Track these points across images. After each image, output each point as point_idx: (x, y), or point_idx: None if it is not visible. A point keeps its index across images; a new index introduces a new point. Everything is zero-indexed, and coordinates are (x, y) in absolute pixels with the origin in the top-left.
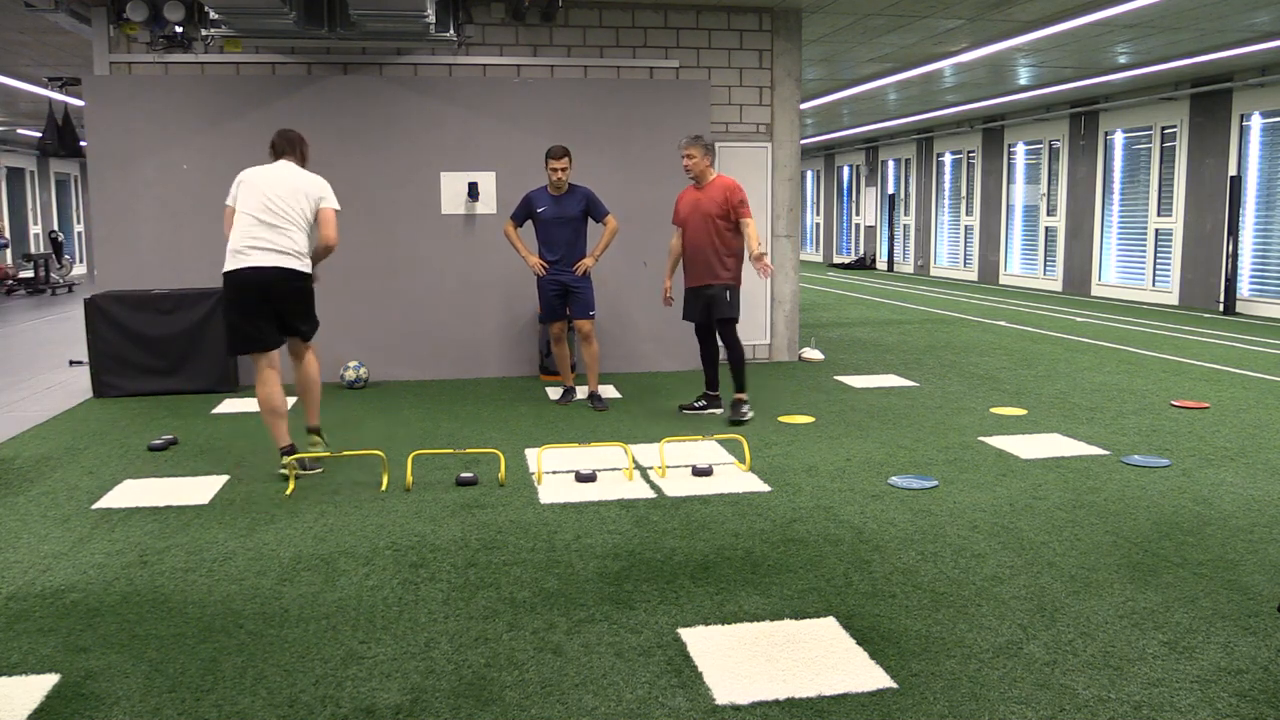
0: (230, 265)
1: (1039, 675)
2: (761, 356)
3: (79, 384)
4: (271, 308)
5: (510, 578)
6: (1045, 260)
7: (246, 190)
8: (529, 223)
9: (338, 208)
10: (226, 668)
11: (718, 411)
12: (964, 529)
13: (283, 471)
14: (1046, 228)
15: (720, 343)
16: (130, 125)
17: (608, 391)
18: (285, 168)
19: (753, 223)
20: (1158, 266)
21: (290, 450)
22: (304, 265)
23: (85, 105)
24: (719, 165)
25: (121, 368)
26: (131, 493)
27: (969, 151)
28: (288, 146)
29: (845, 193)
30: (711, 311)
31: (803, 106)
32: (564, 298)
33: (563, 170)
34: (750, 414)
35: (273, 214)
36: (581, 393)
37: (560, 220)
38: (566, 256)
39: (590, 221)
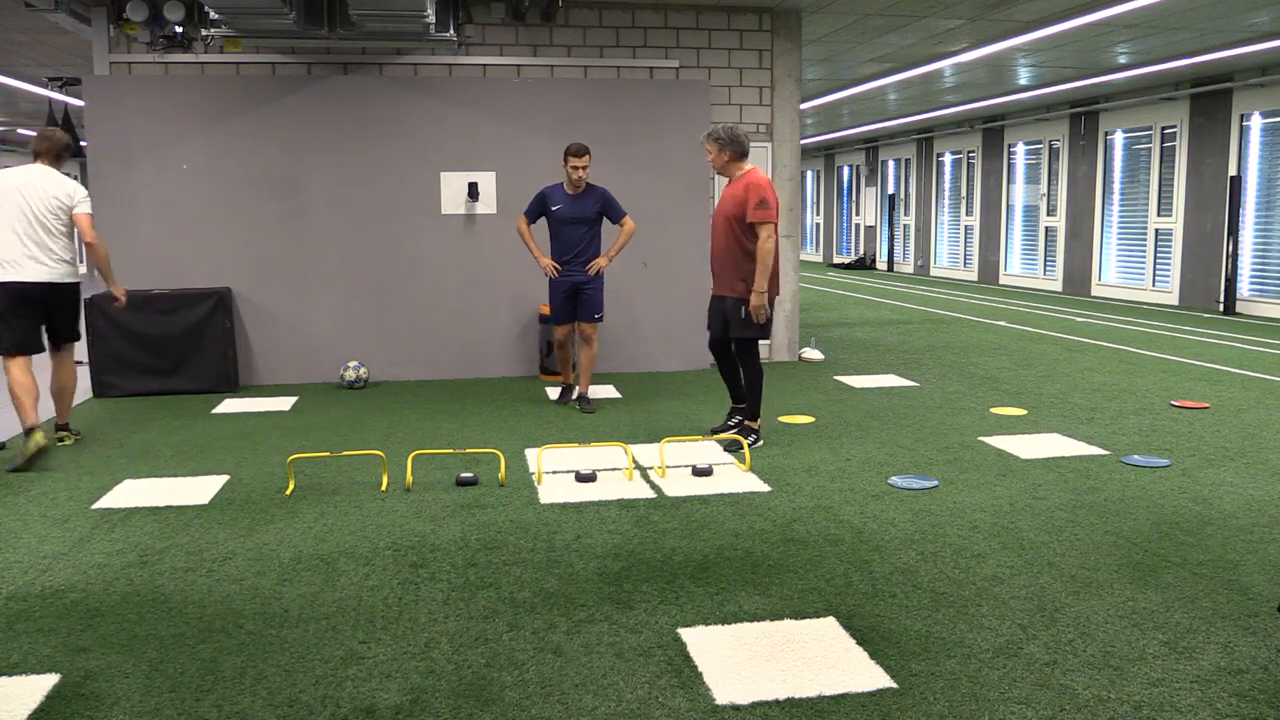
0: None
1: (1039, 675)
2: (762, 356)
3: (79, 384)
4: (44, 316)
5: (510, 578)
6: (1045, 260)
7: (3, 198)
8: (540, 221)
9: (88, 212)
10: (226, 668)
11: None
12: (964, 529)
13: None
14: (1046, 228)
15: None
16: (130, 125)
17: (608, 391)
18: (44, 173)
19: (768, 235)
20: (1158, 266)
21: (32, 431)
22: (75, 275)
23: (85, 105)
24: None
25: (121, 368)
26: (131, 493)
27: (969, 151)
28: (41, 149)
29: (845, 193)
30: (727, 327)
31: (803, 106)
32: (572, 299)
33: (584, 168)
34: (758, 443)
35: (35, 224)
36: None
37: (575, 220)
38: (579, 256)
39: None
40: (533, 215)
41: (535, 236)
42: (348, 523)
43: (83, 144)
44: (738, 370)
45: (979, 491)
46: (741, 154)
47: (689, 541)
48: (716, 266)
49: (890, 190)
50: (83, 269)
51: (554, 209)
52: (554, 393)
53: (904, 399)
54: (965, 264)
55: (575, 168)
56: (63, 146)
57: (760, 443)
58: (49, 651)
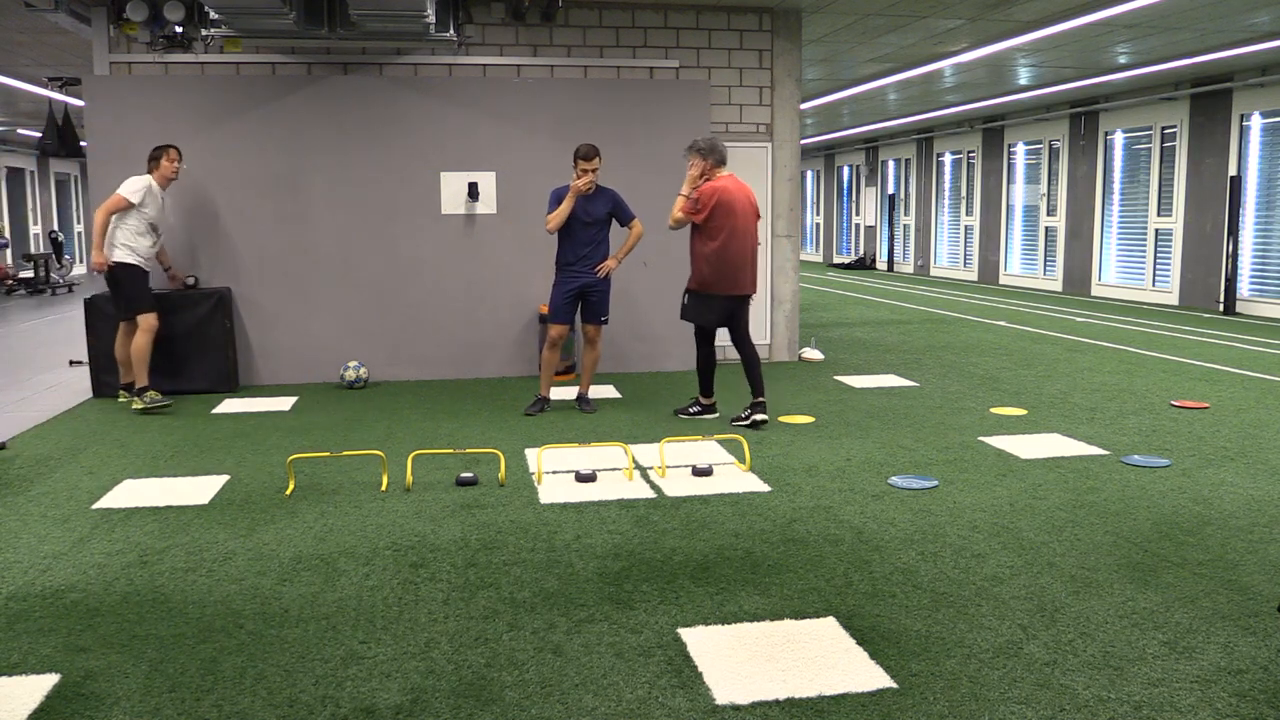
0: None
1: (1039, 675)
2: (761, 356)
3: (79, 384)
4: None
5: (510, 578)
6: (1045, 260)
7: None
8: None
9: (118, 193)
10: (226, 668)
11: (756, 417)
12: (964, 529)
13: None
14: (1046, 228)
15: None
16: (130, 125)
17: (608, 391)
18: None
19: (677, 215)
20: (1158, 266)
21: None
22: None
23: (85, 105)
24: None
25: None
26: (131, 493)
27: (969, 151)
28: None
29: (845, 193)
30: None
31: (803, 106)
32: (576, 301)
33: (593, 171)
34: (700, 415)
35: None
36: (571, 393)
37: (585, 220)
38: (589, 258)
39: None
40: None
41: (541, 243)
42: (348, 523)
43: (82, 144)
44: (752, 360)
45: (979, 491)
46: (721, 161)
47: (689, 541)
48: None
49: (890, 190)
50: (120, 254)
51: None
52: (566, 394)
53: (904, 399)
54: (965, 264)
55: (585, 171)
56: (149, 157)
57: (703, 414)
58: (49, 651)
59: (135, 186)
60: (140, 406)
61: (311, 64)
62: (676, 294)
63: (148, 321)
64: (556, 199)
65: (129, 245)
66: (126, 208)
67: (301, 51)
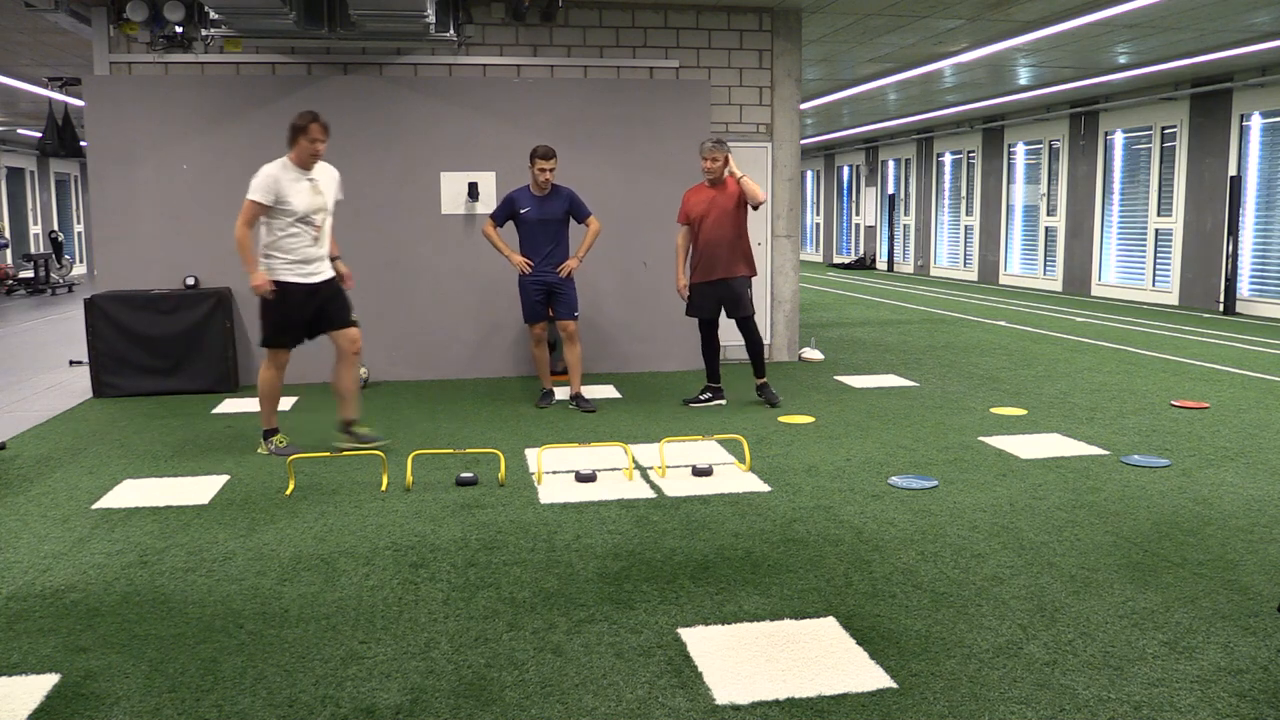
0: None
1: (1039, 675)
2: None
3: (79, 384)
4: None
5: (510, 578)
6: (1045, 260)
7: None
8: (509, 223)
9: (246, 197)
10: (226, 668)
11: (723, 403)
12: (964, 529)
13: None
14: (1046, 228)
15: (742, 337)
16: (130, 125)
17: (607, 391)
18: None
19: (748, 182)
20: (1158, 266)
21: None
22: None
23: (85, 105)
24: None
25: (121, 368)
26: (131, 493)
27: (969, 151)
28: None
29: (845, 193)
30: (726, 307)
31: (803, 106)
32: (547, 299)
33: (550, 171)
34: (711, 402)
35: None
36: (565, 394)
37: (544, 221)
38: (550, 257)
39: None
40: (501, 219)
41: (503, 239)
42: (348, 523)
43: (82, 144)
44: (719, 349)
45: (979, 491)
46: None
47: (689, 541)
48: (723, 253)
49: (890, 190)
50: (272, 268)
51: (522, 211)
52: (565, 395)
53: (904, 399)
54: (965, 264)
55: (543, 169)
56: (289, 129)
57: (714, 400)
58: (49, 651)
59: (258, 182)
60: (263, 452)
61: (311, 64)
62: (675, 293)
63: (271, 358)
64: (508, 204)
65: (279, 254)
66: (259, 211)
67: (301, 51)
